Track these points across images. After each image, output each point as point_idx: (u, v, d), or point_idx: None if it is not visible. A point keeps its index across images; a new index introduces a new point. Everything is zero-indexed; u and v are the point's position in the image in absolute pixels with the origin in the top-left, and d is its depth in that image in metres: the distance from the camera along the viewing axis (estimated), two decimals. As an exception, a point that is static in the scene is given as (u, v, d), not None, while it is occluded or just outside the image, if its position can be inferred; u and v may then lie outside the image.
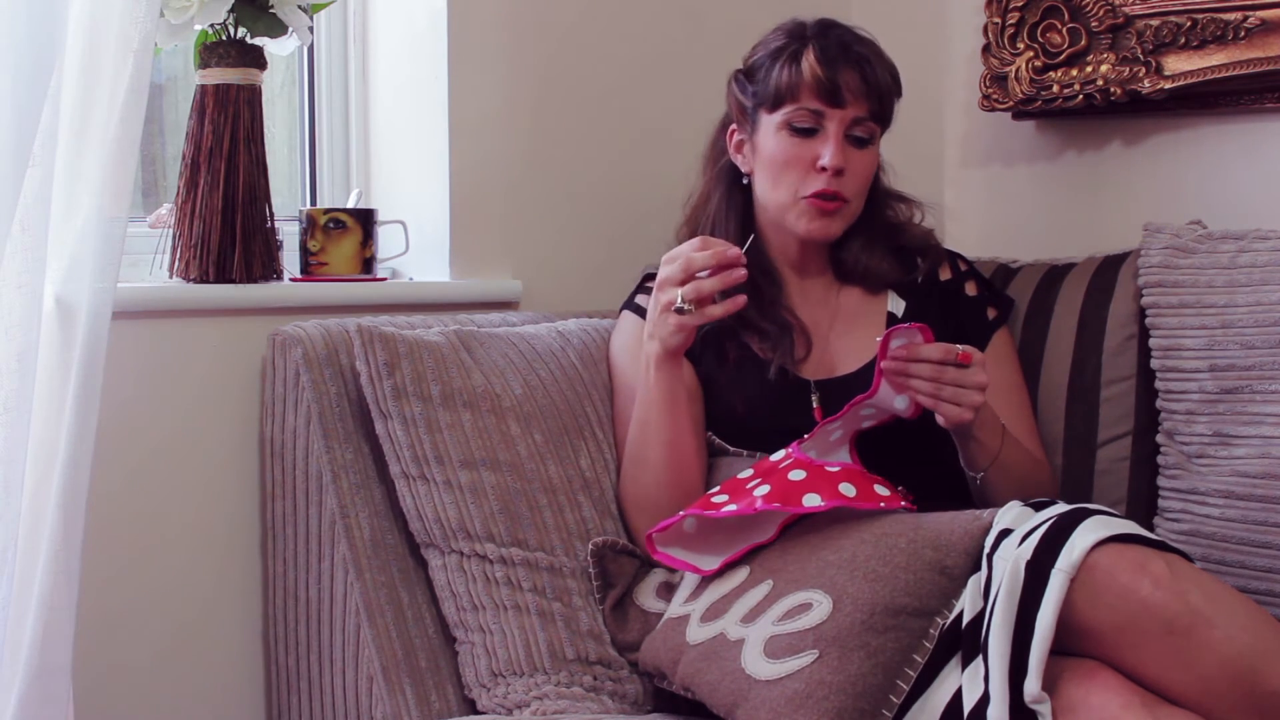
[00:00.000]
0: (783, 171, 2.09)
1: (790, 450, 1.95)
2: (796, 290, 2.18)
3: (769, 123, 2.10)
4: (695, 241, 1.96)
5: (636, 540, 2.06)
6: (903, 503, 1.89)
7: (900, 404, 1.94)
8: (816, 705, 1.70)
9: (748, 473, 1.95)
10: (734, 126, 2.16)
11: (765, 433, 2.05)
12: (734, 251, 1.93)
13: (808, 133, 2.08)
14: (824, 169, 2.06)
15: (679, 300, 1.93)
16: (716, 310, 1.94)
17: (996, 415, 2.02)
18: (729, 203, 2.17)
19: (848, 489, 1.86)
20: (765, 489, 1.88)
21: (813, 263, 2.18)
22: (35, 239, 1.75)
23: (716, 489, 1.95)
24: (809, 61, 2.07)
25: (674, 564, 1.95)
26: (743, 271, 1.93)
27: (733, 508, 1.88)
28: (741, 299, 1.95)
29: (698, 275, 1.93)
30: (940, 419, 1.95)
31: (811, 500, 1.85)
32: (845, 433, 1.97)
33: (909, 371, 1.90)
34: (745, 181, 2.16)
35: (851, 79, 2.07)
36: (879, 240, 2.17)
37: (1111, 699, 1.66)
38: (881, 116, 2.11)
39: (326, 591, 2.03)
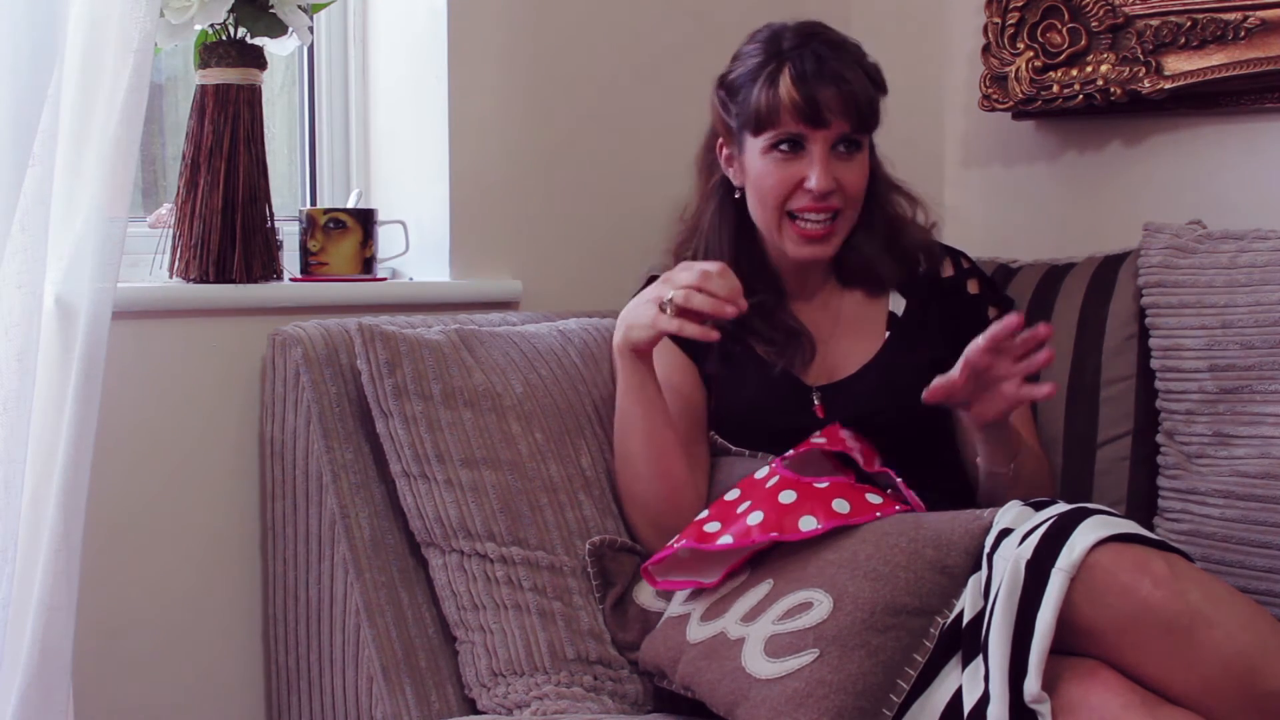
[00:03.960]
0: (769, 193, 2.07)
1: (774, 466, 1.94)
2: (798, 295, 2.17)
3: (754, 145, 2.07)
4: (720, 265, 1.96)
5: (636, 536, 2.07)
6: (898, 507, 1.89)
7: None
8: (817, 704, 1.70)
9: (734, 494, 1.94)
10: (721, 140, 2.14)
11: (767, 432, 2.06)
12: (743, 302, 1.94)
13: (793, 150, 2.05)
14: (810, 190, 2.04)
15: (668, 296, 1.94)
16: (692, 329, 1.94)
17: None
18: (722, 217, 2.15)
19: (841, 505, 1.86)
20: (758, 516, 1.87)
21: (814, 269, 2.17)
22: (35, 239, 1.75)
23: (705, 515, 1.93)
24: (786, 85, 2.03)
25: (678, 587, 1.93)
26: (734, 311, 1.94)
27: (728, 540, 1.87)
28: (715, 334, 1.95)
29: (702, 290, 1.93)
30: (981, 414, 1.92)
31: (808, 524, 1.85)
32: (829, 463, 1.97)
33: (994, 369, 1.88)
34: (737, 195, 2.14)
35: (830, 97, 2.02)
36: (879, 239, 2.16)
37: (1111, 698, 1.66)
38: (867, 126, 2.08)
39: (326, 591, 2.03)
